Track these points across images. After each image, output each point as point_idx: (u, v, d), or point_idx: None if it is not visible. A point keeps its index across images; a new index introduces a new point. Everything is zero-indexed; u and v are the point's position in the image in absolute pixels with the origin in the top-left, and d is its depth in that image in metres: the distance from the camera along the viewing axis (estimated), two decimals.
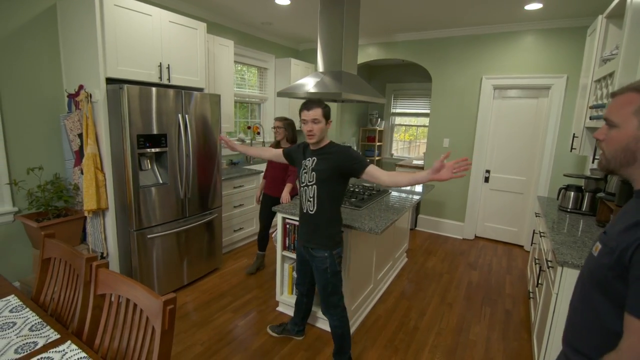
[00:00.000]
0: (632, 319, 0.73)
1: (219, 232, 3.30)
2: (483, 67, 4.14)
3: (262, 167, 4.26)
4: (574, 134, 2.68)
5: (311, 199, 1.93)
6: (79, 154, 2.59)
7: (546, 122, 3.93)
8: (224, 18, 3.99)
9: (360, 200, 2.74)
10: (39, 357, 1.13)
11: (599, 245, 0.85)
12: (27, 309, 1.38)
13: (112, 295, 1.24)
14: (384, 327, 2.59)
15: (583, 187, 2.67)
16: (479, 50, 4.13)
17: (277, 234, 2.60)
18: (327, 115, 1.88)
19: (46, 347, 1.17)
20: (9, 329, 1.27)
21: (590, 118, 2.33)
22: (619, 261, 0.77)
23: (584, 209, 2.62)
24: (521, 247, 4.29)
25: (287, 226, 2.53)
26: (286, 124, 3.08)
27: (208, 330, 2.45)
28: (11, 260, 2.54)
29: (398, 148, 7.02)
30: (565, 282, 1.78)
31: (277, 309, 2.75)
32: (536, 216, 3.12)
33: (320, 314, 2.51)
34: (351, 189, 3.13)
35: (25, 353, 1.15)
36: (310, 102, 1.86)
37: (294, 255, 2.55)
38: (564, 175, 2.84)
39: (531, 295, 2.65)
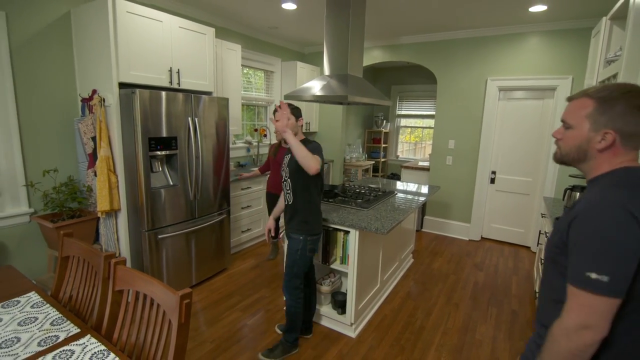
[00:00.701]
0: (570, 287, 0.83)
1: (227, 233, 3.35)
2: (488, 69, 4.16)
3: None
4: None
5: (289, 192, 2.14)
6: (93, 157, 2.66)
7: (552, 123, 3.94)
8: (231, 23, 4.07)
9: (366, 202, 2.78)
10: (61, 349, 1.18)
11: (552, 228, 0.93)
12: (48, 305, 1.44)
13: (129, 291, 1.29)
14: (390, 327, 2.62)
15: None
16: (484, 52, 4.15)
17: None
18: (294, 114, 2.08)
19: (67, 341, 1.23)
20: (31, 324, 1.33)
21: None
22: (561, 238, 0.88)
23: None
24: (528, 248, 4.28)
25: None
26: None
27: (217, 329, 2.50)
28: (27, 260, 2.62)
29: (404, 150, 7.05)
30: None
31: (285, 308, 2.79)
32: (542, 217, 3.13)
33: (324, 311, 2.55)
34: (357, 190, 3.17)
35: (48, 346, 1.20)
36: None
37: None
38: (569, 176, 2.85)
39: (537, 295, 2.66)
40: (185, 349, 1.12)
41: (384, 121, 6.75)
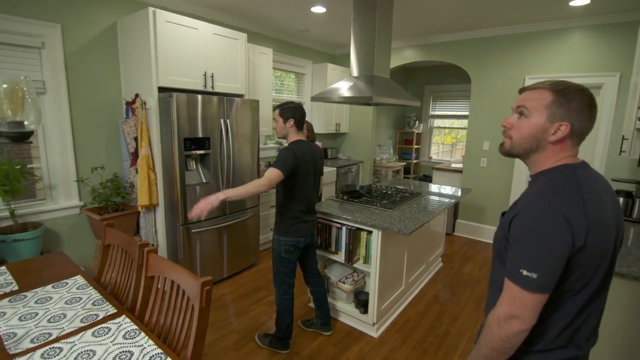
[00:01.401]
0: (506, 279, 0.88)
1: (255, 230, 3.48)
2: (526, 67, 3.98)
3: None
4: (623, 135, 2.52)
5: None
6: (135, 156, 2.89)
7: (597, 123, 3.68)
8: (264, 27, 4.21)
9: (391, 202, 2.77)
10: (99, 326, 1.32)
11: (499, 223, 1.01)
12: (91, 287, 1.60)
13: (159, 277, 1.41)
14: (414, 329, 2.59)
15: (634, 193, 2.49)
16: (521, 50, 3.98)
17: None
18: (282, 115, 2.12)
19: (105, 319, 1.36)
20: (76, 303, 1.48)
21: (639, 119, 2.19)
22: (504, 233, 0.93)
23: (634, 216, 2.44)
24: None
25: (319, 225, 2.63)
26: (309, 125, 3.42)
27: (243, 321, 2.61)
28: (77, 248, 2.89)
29: (440, 152, 6.88)
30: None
31: (310, 304, 2.85)
32: None
33: (347, 309, 2.57)
34: (384, 191, 3.17)
35: (89, 322, 1.34)
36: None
37: (325, 254, 2.64)
38: (612, 179, 2.66)
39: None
40: (205, 332, 1.20)
41: (417, 122, 6.64)
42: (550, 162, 0.94)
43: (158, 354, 1.18)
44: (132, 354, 1.18)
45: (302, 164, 2.07)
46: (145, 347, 1.21)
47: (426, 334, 2.55)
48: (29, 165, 2.62)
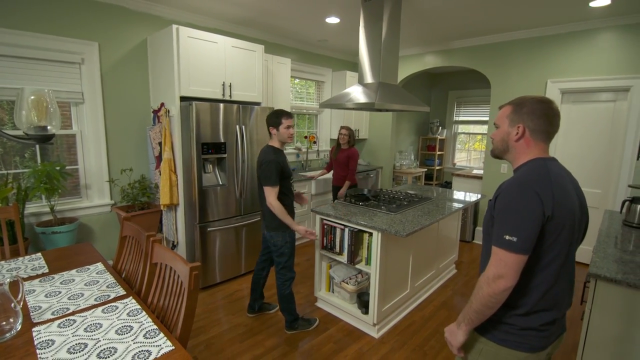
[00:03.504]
0: (493, 247, 1.08)
1: None
2: (548, 71, 3.87)
3: (315, 174, 4.50)
4: None
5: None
6: (159, 159, 3.16)
7: (625, 127, 3.51)
8: (282, 38, 4.42)
9: (398, 206, 2.82)
10: (109, 305, 1.51)
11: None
12: (107, 273, 1.82)
13: (161, 264, 1.59)
14: (417, 333, 2.61)
15: None
16: (542, 53, 3.88)
17: (316, 234, 2.82)
18: (270, 122, 2.39)
19: (115, 299, 1.55)
20: (93, 285, 1.69)
21: None
22: (491, 212, 1.15)
23: None
24: (587, 265, 3.81)
25: (325, 227, 2.74)
26: (351, 132, 3.97)
27: (252, 315, 2.76)
28: (107, 242, 3.19)
29: (470, 158, 6.72)
30: (599, 297, 1.66)
31: (316, 304, 2.95)
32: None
33: (349, 309, 2.64)
34: (392, 195, 3.21)
35: (101, 301, 1.54)
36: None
37: (330, 254, 2.74)
38: (629, 186, 2.55)
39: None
40: (194, 312, 1.35)
41: (440, 128, 6.57)
42: (524, 158, 1.17)
43: (153, 329, 1.34)
44: (131, 328, 1.35)
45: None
46: (143, 324, 1.38)
47: (428, 337, 2.56)
48: (69, 167, 2.96)
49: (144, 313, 1.44)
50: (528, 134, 1.15)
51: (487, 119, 6.05)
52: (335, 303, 2.76)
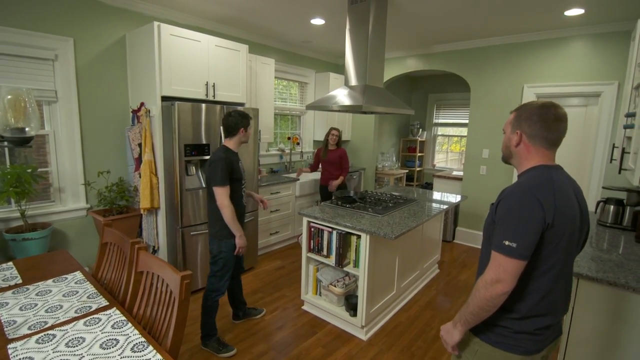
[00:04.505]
0: (492, 251, 1.09)
1: (254, 234, 3.58)
2: (524, 76, 4.02)
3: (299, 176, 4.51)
4: (613, 144, 2.53)
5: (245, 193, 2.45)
6: (138, 161, 3.04)
7: (596, 131, 3.69)
8: (266, 38, 4.37)
9: (384, 208, 2.83)
10: (91, 317, 1.43)
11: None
12: (87, 282, 1.72)
13: (147, 273, 1.52)
14: (403, 334, 2.63)
15: (624, 201, 2.50)
16: (520, 59, 4.02)
17: (303, 237, 2.79)
18: (236, 125, 2.27)
19: (97, 310, 1.47)
20: (72, 296, 1.60)
21: (624, 127, 2.21)
22: (492, 216, 1.15)
23: (624, 224, 2.45)
24: None
25: (312, 229, 2.72)
26: (341, 132, 4.17)
27: (238, 322, 2.69)
28: (83, 248, 3.04)
29: (447, 159, 6.88)
30: (581, 295, 1.73)
31: (302, 307, 2.92)
32: None
33: (337, 312, 2.63)
34: (378, 197, 3.23)
35: (82, 313, 1.45)
36: None
37: (318, 257, 2.72)
38: (603, 187, 2.67)
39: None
40: (185, 322, 1.30)
41: (420, 130, 6.69)
42: (527, 164, 1.17)
43: (141, 342, 1.27)
44: (117, 341, 1.28)
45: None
46: (130, 336, 1.31)
47: (415, 338, 2.58)
48: (40, 169, 2.80)
49: (130, 325, 1.37)
50: (526, 139, 1.16)
51: (466, 121, 6.22)
52: (323, 306, 2.75)
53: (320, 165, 4.30)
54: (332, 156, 4.06)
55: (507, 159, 1.27)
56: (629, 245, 2.12)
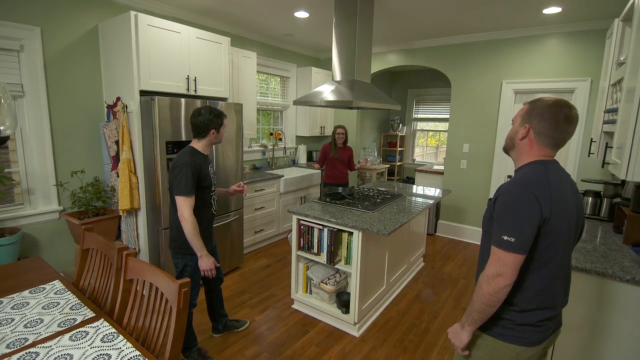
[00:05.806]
0: (492, 246, 1.11)
1: (240, 233, 3.49)
2: (503, 72, 4.12)
3: (282, 172, 4.45)
4: (591, 138, 2.64)
5: (215, 199, 2.21)
6: (116, 159, 2.87)
7: None
8: (247, 31, 4.24)
9: (373, 204, 2.83)
10: (77, 330, 1.32)
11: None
12: (69, 292, 1.60)
13: (138, 280, 1.42)
14: (395, 328, 2.65)
15: (602, 193, 2.62)
16: (499, 55, 4.11)
17: (292, 235, 2.74)
18: (207, 126, 2.04)
19: (83, 323, 1.37)
20: (53, 308, 1.48)
21: (604, 122, 2.31)
22: (490, 211, 1.18)
23: (602, 215, 2.56)
24: None
25: (302, 227, 2.67)
26: (346, 130, 4.13)
27: (217, 335, 2.61)
28: (56, 254, 2.84)
29: (424, 154, 7.00)
30: (572, 285, 1.78)
31: (293, 306, 2.88)
32: None
33: (329, 310, 2.61)
34: (366, 193, 3.23)
35: (66, 327, 1.34)
36: None
37: (308, 255, 2.68)
38: (582, 180, 2.79)
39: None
40: (183, 333, 1.23)
41: (400, 125, 6.75)
42: (526, 159, 1.19)
43: (136, 356, 1.19)
44: (109, 356, 1.19)
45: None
46: (123, 350, 1.22)
47: (406, 332, 2.61)
48: (6, 170, 2.58)
49: (121, 337, 1.28)
50: (532, 135, 1.16)
51: (445, 116, 6.34)
52: (314, 304, 2.72)
53: (325, 164, 4.20)
54: (343, 154, 4.09)
55: (507, 150, 1.28)
56: (608, 235, 2.22)
